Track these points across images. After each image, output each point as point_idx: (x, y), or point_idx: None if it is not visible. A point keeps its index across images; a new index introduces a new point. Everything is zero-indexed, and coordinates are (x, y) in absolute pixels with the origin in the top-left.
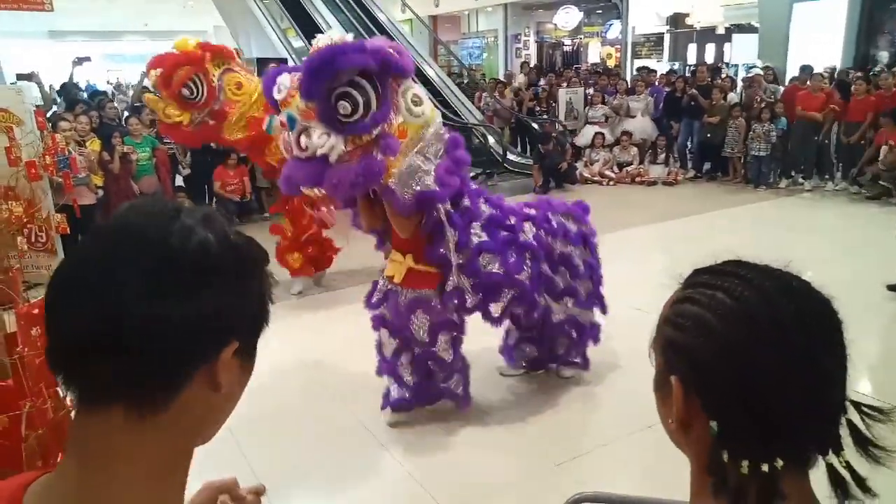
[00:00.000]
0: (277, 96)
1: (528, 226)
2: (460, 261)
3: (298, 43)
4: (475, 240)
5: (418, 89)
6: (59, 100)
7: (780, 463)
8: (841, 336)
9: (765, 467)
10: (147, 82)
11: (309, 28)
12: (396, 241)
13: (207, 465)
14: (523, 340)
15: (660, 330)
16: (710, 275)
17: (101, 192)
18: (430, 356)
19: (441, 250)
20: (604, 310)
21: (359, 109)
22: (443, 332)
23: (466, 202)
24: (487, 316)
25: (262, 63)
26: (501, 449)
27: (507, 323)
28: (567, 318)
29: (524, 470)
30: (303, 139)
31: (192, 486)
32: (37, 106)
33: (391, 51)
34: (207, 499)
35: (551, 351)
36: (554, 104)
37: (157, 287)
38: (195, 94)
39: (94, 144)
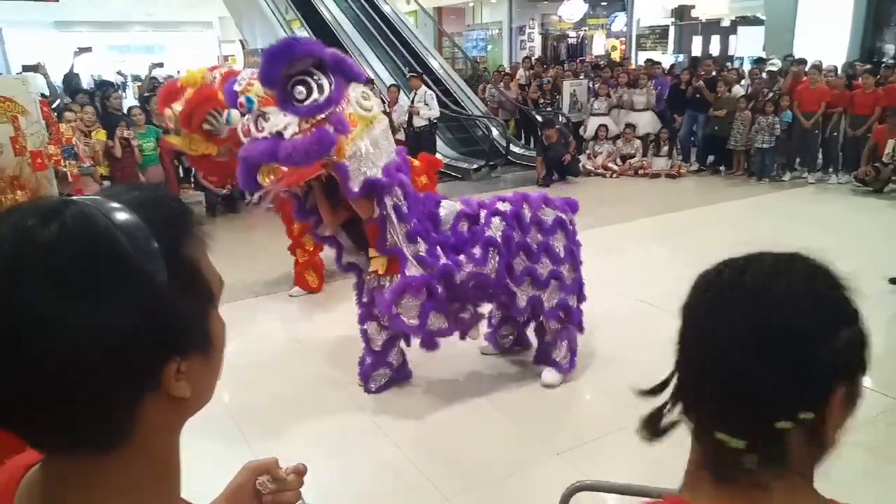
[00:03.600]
0: (237, 88)
1: (496, 221)
2: (417, 251)
3: (303, 34)
4: (434, 236)
5: (368, 92)
6: (59, 92)
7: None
8: (808, 338)
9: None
10: (156, 72)
11: (314, 20)
12: (372, 239)
13: (210, 451)
14: (505, 321)
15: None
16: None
17: (106, 183)
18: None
19: (387, 242)
20: (581, 298)
21: (313, 93)
22: (432, 312)
23: (412, 199)
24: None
25: None
26: (503, 437)
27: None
28: (559, 301)
29: (525, 458)
30: (260, 122)
31: (205, 474)
32: (42, 96)
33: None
34: (247, 480)
35: (542, 345)
36: (558, 96)
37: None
38: (216, 127)
39: (99, 134)
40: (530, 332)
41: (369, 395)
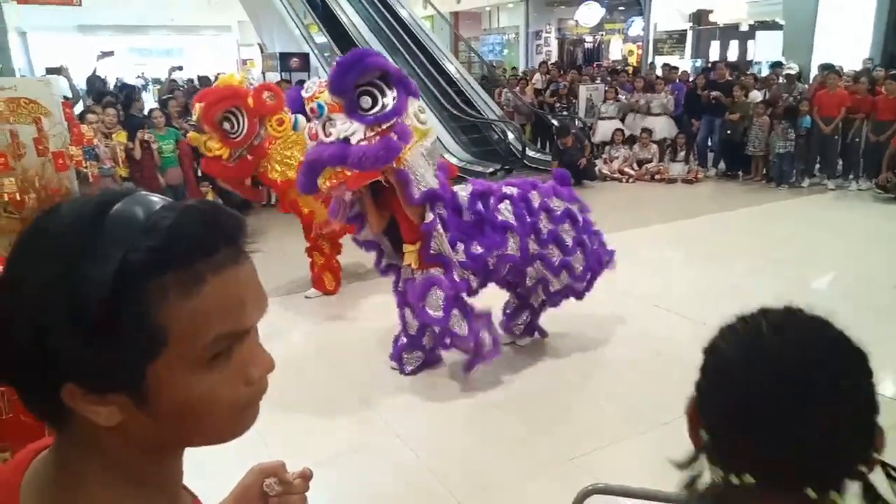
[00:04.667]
0: (305, 94)
1: (504, 205)
2: (458, 258)
3: (321, 38)
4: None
5: (423, 106)
6: (81, 94)
7: (749, 479)
8: (857, 387)
9: (733, 479)
10: (176, 75)
11: (331, 24)
12: (407, 235)
13: (224, 449)
14: (519, 308)
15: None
16: (736, 319)
17: (125, 185)
18: (446, 333)
19: (431, 251)
20: (589, 286)
21: (378, 103)
22: (455, 308)
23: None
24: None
25: (284, 58)
26: (516, 442)
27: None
28: (563, 287)
29: (538, 463)
30: (327, 127)
31: (232, 470)
32: (65, 98)
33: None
34: (254, 482)
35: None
36: (574, 101)
37: None
38: (235, 128)
39: (120, 136)
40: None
41: (383, 396)
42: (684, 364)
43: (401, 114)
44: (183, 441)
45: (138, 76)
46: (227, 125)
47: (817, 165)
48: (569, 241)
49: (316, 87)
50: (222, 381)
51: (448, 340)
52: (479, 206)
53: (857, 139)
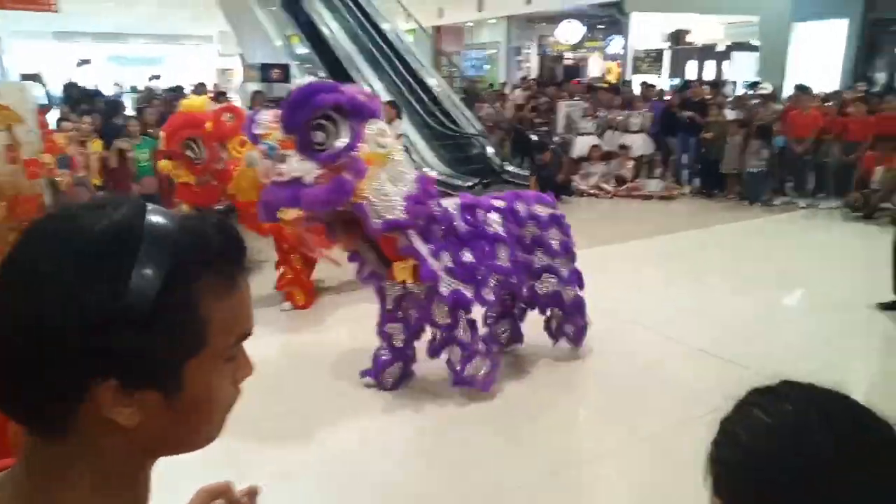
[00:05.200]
0: (257, 131)
1: (494, 217)
2: (447, 265)
3: (302, 49)
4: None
5: (384, 127)
6: (56, 102)
7: None
8: (887, 462)
9: None
10: (153, 84)
11: (313, 36)
12: (388, 253)
13: (196, 466)
14: (500, 319)
15: (709, 450)
16: (757, 394)
17: (99, 194)
18: (452, 339)
19: (425, 269)
20: (580, 286)
21: (330, 139)
22: (459, 315)
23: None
24: (483, 301)
25: (266, 69)
26: (496, 456)
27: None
28: (552, 292)
29: (519, 477)
30: (280, 166)
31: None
32: (40, 106)
33: (362, 95)
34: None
35: (547, 324)
36: (553, 117)
37: None
38: (197, 155)
39: (95, 145)
40: (524, 327)
41: (359, 410)
42: (661, 379)
43: (354, 149)
44: (181, 442)
45: (115, 84)
46: (189, 153)
47: (790, 184)
48: (556, 245)
49: (268, 121)
50: (227, 381)
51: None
52: (469, 217)
53: (828, 159)
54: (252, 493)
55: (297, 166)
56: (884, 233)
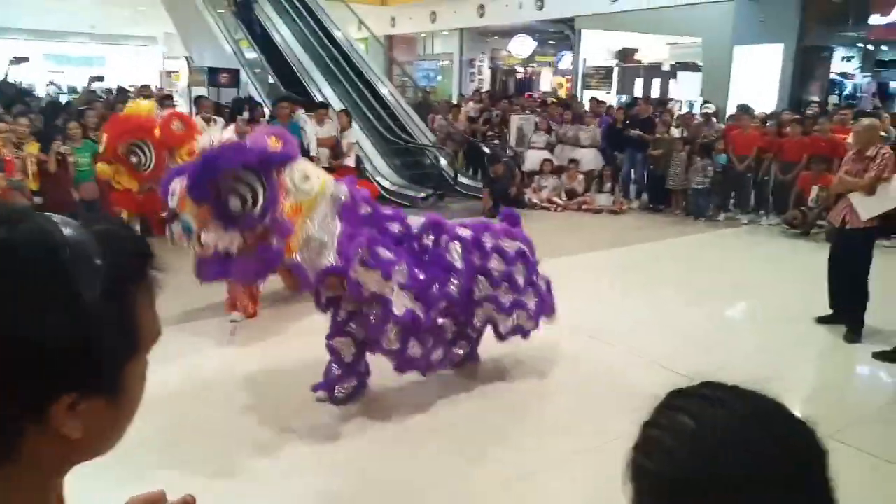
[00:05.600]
0: (171, 203)
1: (455, 246)
2: (400, 281)
3: (252, 54)
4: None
5: (305, 165)
6: None
7: None
8: (815, 467)
9: None
10: (95, 86)
11: (263, 41)
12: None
13: (128, 487)
14: (457, 339)
15: (629, 456)
16: (680, 397)
17: (37, 199)
18: (405, 360)
19: (366, 294)
20: (551, 312)
21: (247, 202)
22: (411, 337)
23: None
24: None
25: (213, 73)
26: (452, 468)
27: None
28: (515, 327)
29: (475, 488)
30: (203, 237)
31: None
32: None
33: (272, 142)
34: None
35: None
36: (506, 130)
37: None
38: (143, 161)
39: (31, 147)
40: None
41: (309, 424)
42: (616, 389)
43: (275, 205)
44: (103, 447)
45: (49, 83)
46: (133, 158)
47: (732, 201)
48: (521, 281)
49: (178, 193)
50: (144, 380)
51: (405, 365)
52: (431, 237)
53: (767, 177)
54: (185, 503)
55: (219, 238)
56: (820, 249)
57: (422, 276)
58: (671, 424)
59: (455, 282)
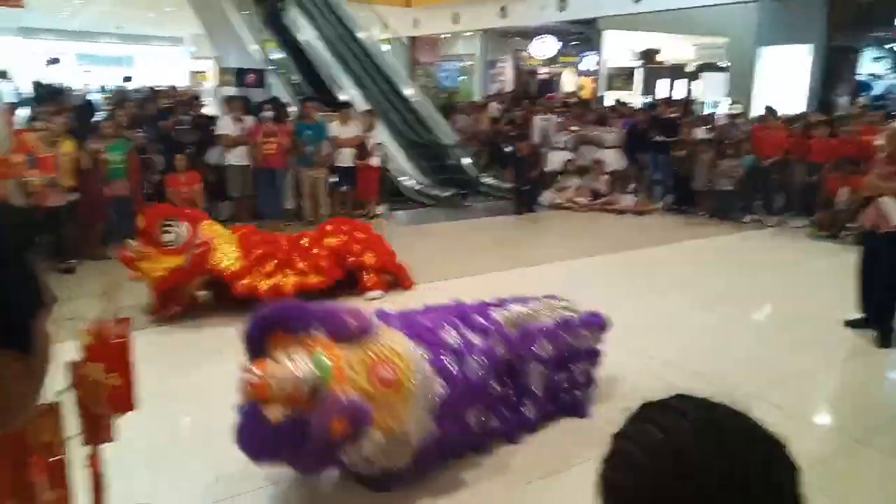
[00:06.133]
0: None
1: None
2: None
3: (277, 55)
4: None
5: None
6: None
7: None
8: (782, 480)
9: None
10: (128, 85)
11: (289, 42)
12: None
13: None
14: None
15: (599, 468)
16: (650, 408)
17: (72, 196)
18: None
19: None
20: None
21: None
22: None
23: None
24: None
25: (241, 73)
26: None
27: None
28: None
29: (494, 488)
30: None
31: None
32: (10, 104)
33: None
34: None
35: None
36: (529, 130)
37: None
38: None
39: (67, 146)
40: None
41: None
42: (627, 391)
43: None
44: (16, 406)
45: (85, 85)
46: (167, 237)
47: (758, 203)
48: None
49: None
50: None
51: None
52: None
53: (794, 179)
54: None
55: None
56: (849, 251)
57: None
58: (638, 436)
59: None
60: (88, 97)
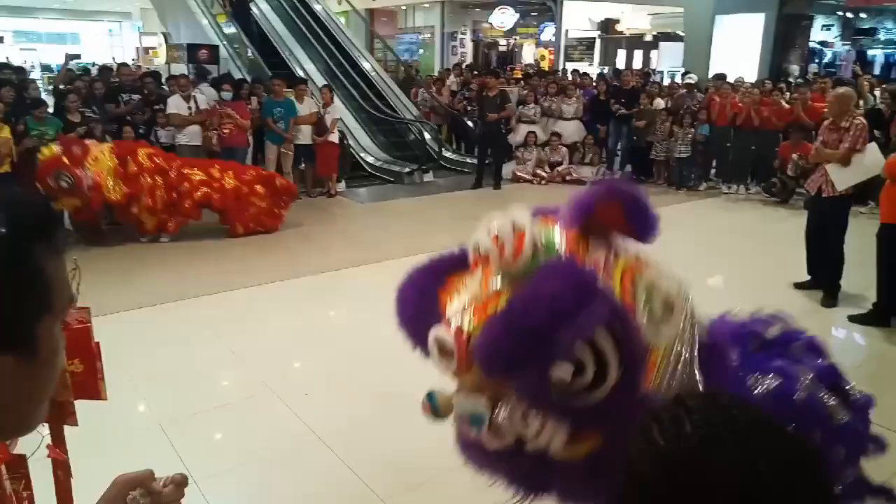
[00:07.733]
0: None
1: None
2: None
3: (230, 29)
4: None
5: (666, 283)
6: None
7: None
8: (811, 482)
9: None
10: (71, 65)
11: (242, 15)
12: None
13: (137, 463)
14: None
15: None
16: (664, 409)
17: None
18: None
19: None
20: None
21: (586, 374)
22: None
23: None
24: None
25: (192, 49)
26: (442, 437)
27: None
28: None
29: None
30: (499, 415)
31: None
32: None
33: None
34: (117, 495)
35: None
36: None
37: None
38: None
39: (3, 132)
40: None
41: (302, 402)
42: None
43: (636, 394)
44: (20, 412)
45: (24, 62)
46: (63, 184)
47: (713, 170)
48: None
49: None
50: (61, 346)
51: None
52: None
53: (748, 146)
54: (177, 483)
55: (530, 431)
56: (799, 216)
57: None
58: (640, 441)
59: None
60: (28, 77)
